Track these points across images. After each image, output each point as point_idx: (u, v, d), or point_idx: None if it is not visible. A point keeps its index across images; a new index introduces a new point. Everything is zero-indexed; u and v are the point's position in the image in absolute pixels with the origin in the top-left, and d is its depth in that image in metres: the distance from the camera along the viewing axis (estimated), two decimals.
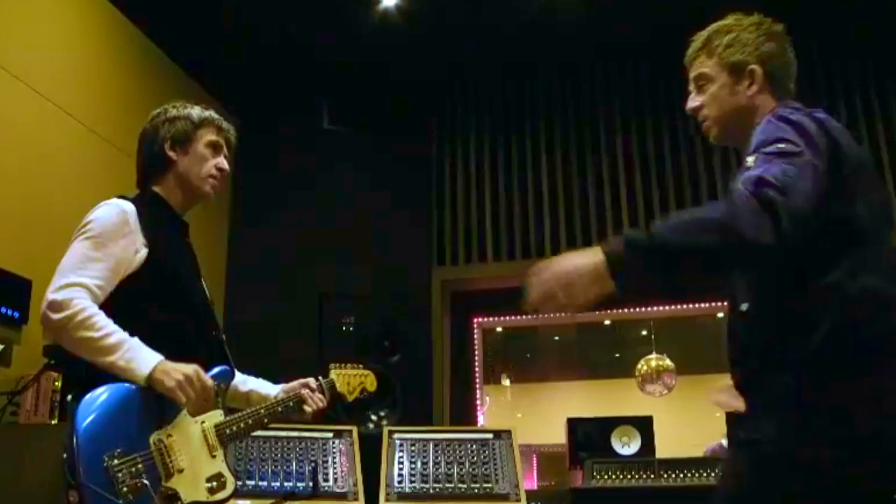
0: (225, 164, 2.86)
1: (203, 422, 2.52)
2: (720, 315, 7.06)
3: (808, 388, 1.93)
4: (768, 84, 2.26)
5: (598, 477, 4.93)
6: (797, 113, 2.09)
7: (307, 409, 2.87)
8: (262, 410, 2.73)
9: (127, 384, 2.38)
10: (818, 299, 1.95)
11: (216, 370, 2.63)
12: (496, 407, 12.62)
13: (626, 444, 5.62)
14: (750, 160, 1.97)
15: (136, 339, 2.44)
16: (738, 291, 2.14)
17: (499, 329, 9.29)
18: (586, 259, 1.89)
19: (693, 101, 2.37)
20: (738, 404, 2.16)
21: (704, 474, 4.92)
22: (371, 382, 3.16)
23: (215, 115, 2.90)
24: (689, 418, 8.64)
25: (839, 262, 1.96)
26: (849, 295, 1.95)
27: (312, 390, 2.91)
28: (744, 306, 2.11)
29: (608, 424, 5.76)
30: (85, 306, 2.40)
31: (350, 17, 6.06)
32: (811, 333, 1.93)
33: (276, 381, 2.98)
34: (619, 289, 1.87)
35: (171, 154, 2.78)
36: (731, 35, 2.29)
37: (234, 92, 6.19)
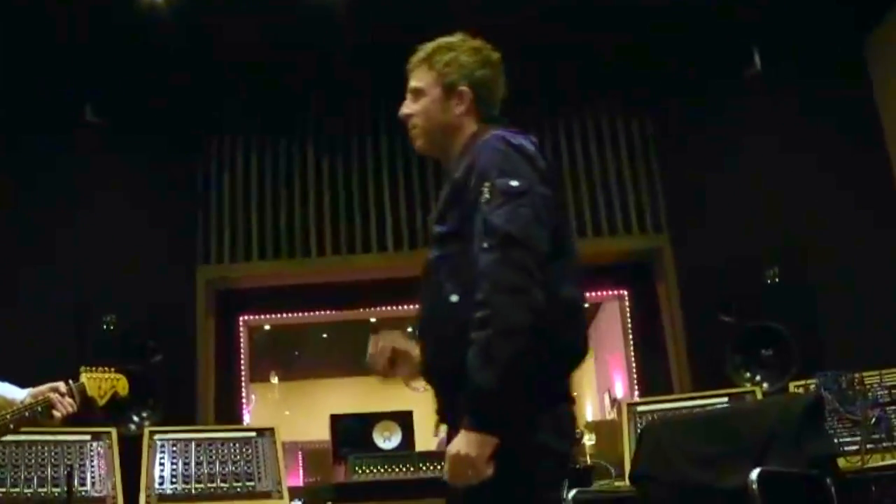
0: None
1: None
2: None
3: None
4: (475, 106, 2.45)
5: (360, 471, 5.09)
6: (518, 137, 2.30)
7: (56, 413, 2.82)
8: (9, 416, 2.68)
9: None
10: None
11: None
12: (264, 405, 12.58)
13: (388, 439, 5.81)
14: (486, 192, 2.15)
15: None
16: (448, 281, 2.25)
17: (266, 327, 9.28)
18: (472, 447, 2.01)
19: (406, 108, 2.53)
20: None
21: None
22: (123, 386, 3.12)
23: None
24: None
25: (549, 274, 2.12)
26: (555, 303, 2.12)
27: (62, 394, 2.86)
28: (453, 297, 2.22)
29: (370, 420, 5.93)
30: None
31: (106, 7, 5.85)
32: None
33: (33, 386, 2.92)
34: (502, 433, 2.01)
35: None
36: (452, 54, 2.47)
37: None
